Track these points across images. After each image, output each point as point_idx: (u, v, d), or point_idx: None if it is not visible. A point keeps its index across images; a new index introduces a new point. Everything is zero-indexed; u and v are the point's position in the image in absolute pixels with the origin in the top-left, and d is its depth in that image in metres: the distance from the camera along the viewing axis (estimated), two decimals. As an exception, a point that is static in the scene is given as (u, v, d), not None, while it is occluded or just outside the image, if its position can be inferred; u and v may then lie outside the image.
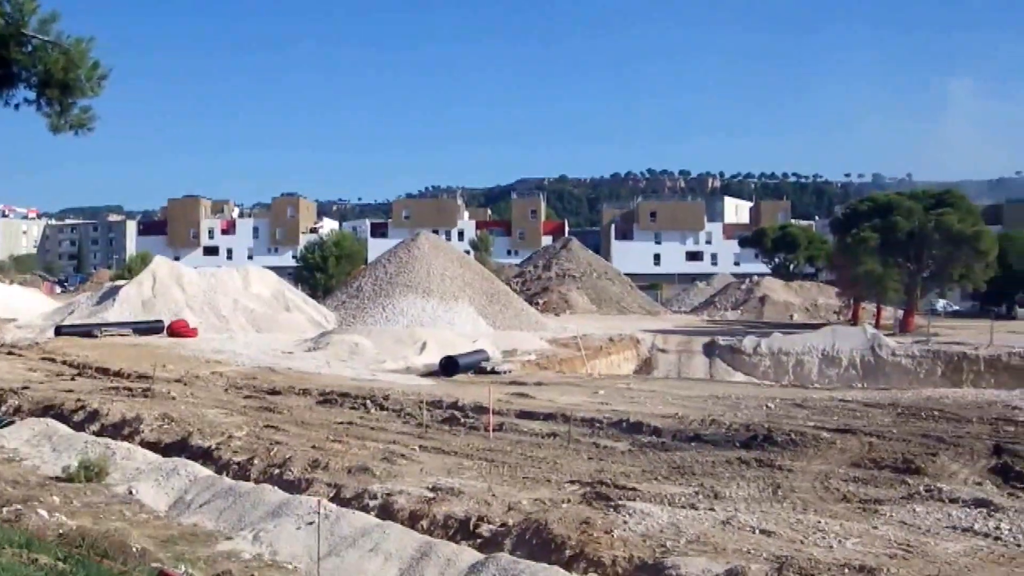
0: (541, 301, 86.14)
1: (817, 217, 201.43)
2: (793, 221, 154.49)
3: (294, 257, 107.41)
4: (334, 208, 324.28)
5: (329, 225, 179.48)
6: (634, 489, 16.87)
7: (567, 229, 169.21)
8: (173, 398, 28.57)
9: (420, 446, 21.41)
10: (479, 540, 13.92)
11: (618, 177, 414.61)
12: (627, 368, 53.92)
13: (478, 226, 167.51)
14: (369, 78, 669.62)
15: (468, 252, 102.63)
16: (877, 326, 68.45)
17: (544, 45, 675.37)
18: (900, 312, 75.32)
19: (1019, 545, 13.45)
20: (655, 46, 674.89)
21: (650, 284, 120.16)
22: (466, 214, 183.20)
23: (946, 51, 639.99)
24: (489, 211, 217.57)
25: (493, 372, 38.89)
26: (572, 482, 17.76)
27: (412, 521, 14.82)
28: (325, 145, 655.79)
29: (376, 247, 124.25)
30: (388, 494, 16.05)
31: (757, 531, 13.60)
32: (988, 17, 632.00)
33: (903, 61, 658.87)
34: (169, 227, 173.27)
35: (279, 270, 78.04)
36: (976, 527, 14.54)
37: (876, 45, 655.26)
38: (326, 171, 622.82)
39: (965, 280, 74.67)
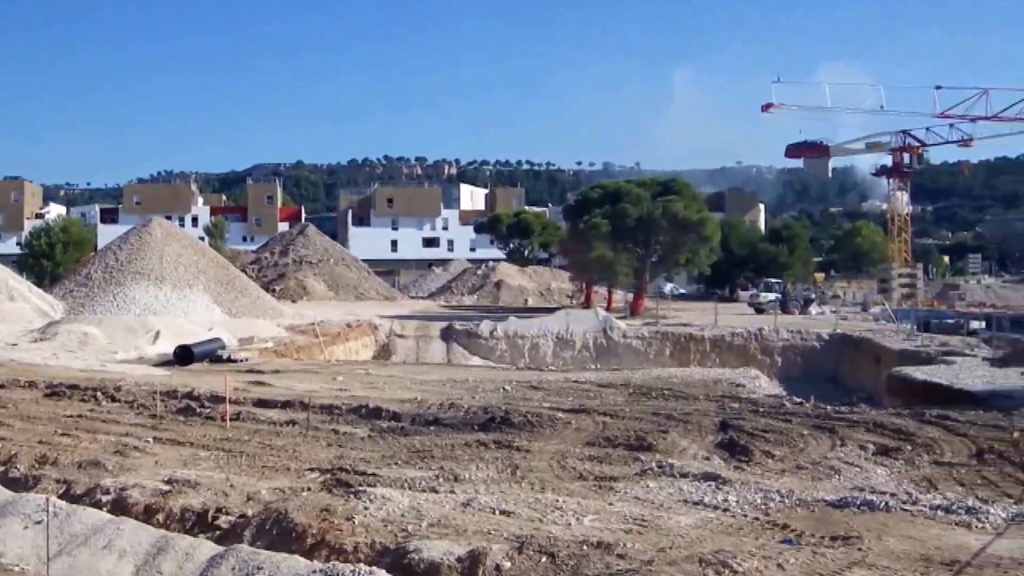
0: (278, 288, 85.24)
1: (550, 204, 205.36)
2: (527, 208, 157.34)
3: (18, 244, 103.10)
4: (61, 193, 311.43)
5: (56, 210, 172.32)
6: (374, 475, 16.84)
7: (304, 215, 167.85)
8: None
9: (155, 438, 20.80)
10: (218, 532, 13.64)
11: (355, 163, 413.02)
12: (365, 354, 53.88)
13: (213, 212, 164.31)
14: (98, 59, 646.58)
15: (202, 238, 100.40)
16: (608, 309, 70.53)
17: (270, 31, 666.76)
18: (630, 295, 77.66)
19: (745, 516, 14.03)
20: (365, 33, 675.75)
21: (387, 270, 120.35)
22: (200, 200, 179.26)
23: (670, 43, 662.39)
24: (224, 197, 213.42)
25: (229, 360, 38.27)
26: (312, 470, 17.59)
27: (147, 515, 14.39)
28: (52, 127, 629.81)
29: (106, 233, 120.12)
30: (122, 488, 15.56)
31: (497, 512, 13.75)
32: (709, 10, 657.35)
33: (631, 52, 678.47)
34: None
35: (2, 258, 74.90)
36: (706, 500, 15.11)
37: (605, 37, 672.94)
38: (52, 155, 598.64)
39: (691, 264, 77.79)
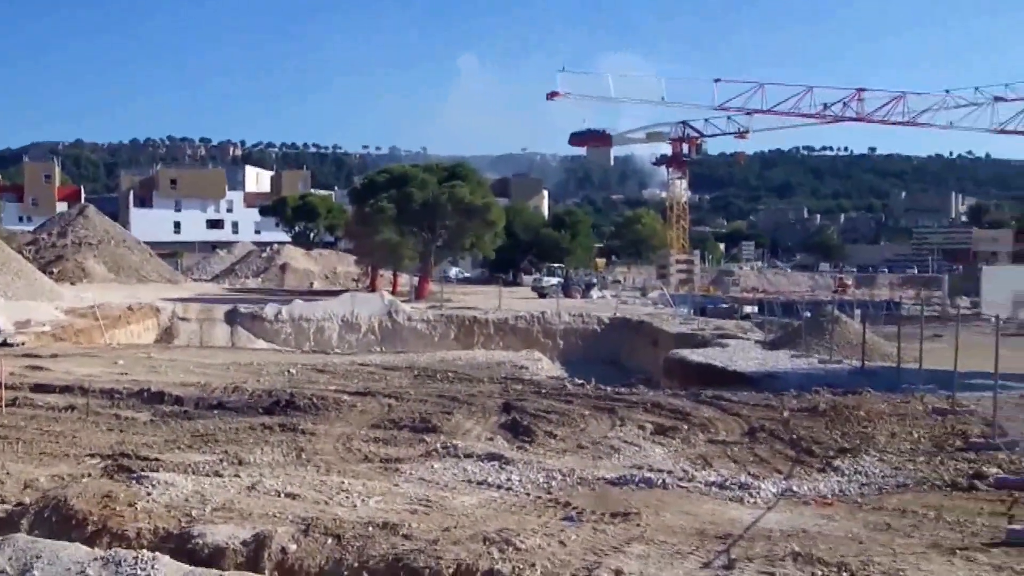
0: (56, 270, 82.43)
1: (336, 187, 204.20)
2: (313, 191, 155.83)
3: None
4: None
5: None
6: (157, 460, 16.65)
7: (83, 195, 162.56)
8: None
9: (-76, 426, 20.16)
10: (-6, 522, 13.34)
11: (137, 143, 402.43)
12: (148, 337, 52.73)
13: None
14: None
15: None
16: (394, 293, 70.66)
17: (46, 2, 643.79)
18: (415, 279, 77.90)
19: (528, 494, 14.40)
20: (145, 9, 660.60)
21: (170, 252, 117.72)
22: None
23: (456, 27, 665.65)
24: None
25: (5, 344, 37.05)
26: (92, 456, 17.29)
27: (-82, 506, 13.98)
28: None
29: None
30: None
31: (283, 495, 13.74)
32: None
33: (417, 37, 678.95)
34: None
35: None
36: (490, 480, 15.45)
37: (391, 20, 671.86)
38: None
39: (476, 249, 78.65)
